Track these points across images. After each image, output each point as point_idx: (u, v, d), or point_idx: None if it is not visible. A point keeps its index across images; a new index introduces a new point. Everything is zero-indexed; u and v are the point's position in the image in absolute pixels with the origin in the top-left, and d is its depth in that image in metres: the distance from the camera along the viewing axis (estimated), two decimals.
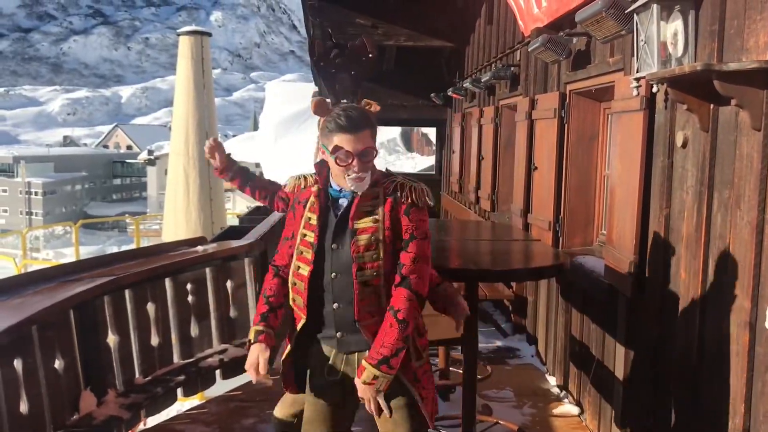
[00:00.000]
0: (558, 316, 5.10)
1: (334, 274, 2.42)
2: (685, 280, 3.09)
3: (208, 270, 4.98)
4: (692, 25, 2.97)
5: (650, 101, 3.45)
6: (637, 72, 3.22)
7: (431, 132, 25.24)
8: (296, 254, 2.50)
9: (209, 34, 18.05)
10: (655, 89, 3.18)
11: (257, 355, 2.47)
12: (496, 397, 4.78)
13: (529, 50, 5.06)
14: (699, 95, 2.83)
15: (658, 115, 3.42)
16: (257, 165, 41.90)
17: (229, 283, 5.19)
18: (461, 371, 3.89)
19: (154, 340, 4.51)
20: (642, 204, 3.51)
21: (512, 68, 6.46)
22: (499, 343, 6.05)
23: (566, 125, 4.95)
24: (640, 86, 3.35)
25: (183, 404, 5.07)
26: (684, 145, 3.14)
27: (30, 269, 12.90)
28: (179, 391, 4.65)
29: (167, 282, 4.66)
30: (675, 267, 3.22)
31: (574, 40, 4.64)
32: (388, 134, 29.34)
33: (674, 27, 3.07)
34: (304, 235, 2.48)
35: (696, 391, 2.96)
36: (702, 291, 2.94)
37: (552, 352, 5.27)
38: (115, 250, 38.50)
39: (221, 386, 5.03)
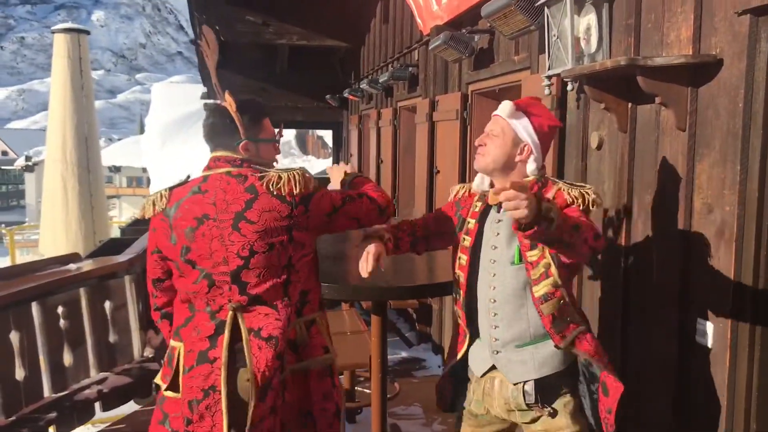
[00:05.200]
0: None
1: None
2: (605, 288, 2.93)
3: (82, 290, 4.48)
4: (606, 19, 2.80)
5: (561, 101, 3.27)
6: (549, 69, 3.04)
7: (327, 134, 24.96)
8: None
9: (87, 32, 16.92)
10: (569, 87, 3.00)
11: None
12: (404, 415, 4.51)
13: (430, 48, 4.84)
14: (618, 93, 2.66)
15: (570, 115, 3.25)
16: (144, 170, 40.12)
17: (107, 305, 4.70)
18: (368, 390, 3.58)
19: (19, 374, 3.99)
20: None
21: (410, 68, 6.24)
22: (404, 354, 5.80)
23: (469, 127, 4.76)
24: (552, 84, 3.16)
25: None
26: (599, 147, 2.97)
27: None
28: (51, 429, 4.13)
29: (34, 306, 4.14)
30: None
31: (477, 37, 4.44)
32: (282, 138, 28.85)
33: (587, 21, 2.89)
34: None
35: None
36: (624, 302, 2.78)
37: None
38: None
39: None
